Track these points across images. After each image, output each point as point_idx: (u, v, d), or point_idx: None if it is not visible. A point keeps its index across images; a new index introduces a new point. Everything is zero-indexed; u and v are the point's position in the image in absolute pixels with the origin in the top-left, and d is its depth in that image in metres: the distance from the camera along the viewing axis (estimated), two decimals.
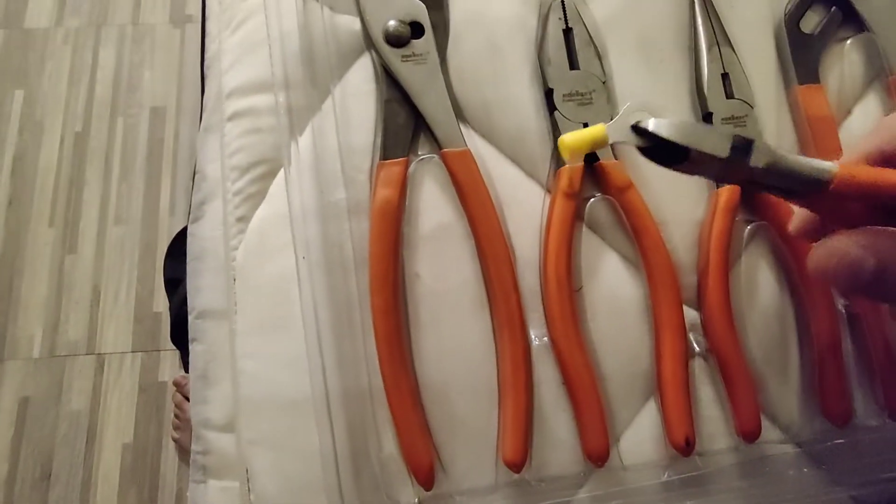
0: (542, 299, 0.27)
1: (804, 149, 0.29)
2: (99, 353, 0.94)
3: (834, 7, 0.30)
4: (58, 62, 1.07)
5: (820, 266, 0.18)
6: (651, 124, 0.18)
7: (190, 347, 0.37)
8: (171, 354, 0.95)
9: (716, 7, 0.29)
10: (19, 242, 0.98)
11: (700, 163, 0.18)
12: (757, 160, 0.18)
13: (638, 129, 0.19)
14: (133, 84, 1.06)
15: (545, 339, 0.26)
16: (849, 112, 0.30)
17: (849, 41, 0.30)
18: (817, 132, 0.28)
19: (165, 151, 1.03)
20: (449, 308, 0.27)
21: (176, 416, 0.89)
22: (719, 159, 0.18)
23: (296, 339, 0.27)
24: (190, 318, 0.36)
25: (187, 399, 0.88)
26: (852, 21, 0.30)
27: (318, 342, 0.25)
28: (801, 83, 0.29)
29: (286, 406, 0.27)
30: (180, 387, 0.89)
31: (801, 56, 0.29)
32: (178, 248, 0.95)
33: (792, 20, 0.30)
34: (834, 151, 0.28)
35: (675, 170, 0.19)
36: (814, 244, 0.19)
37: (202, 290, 0.35)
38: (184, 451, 0.89)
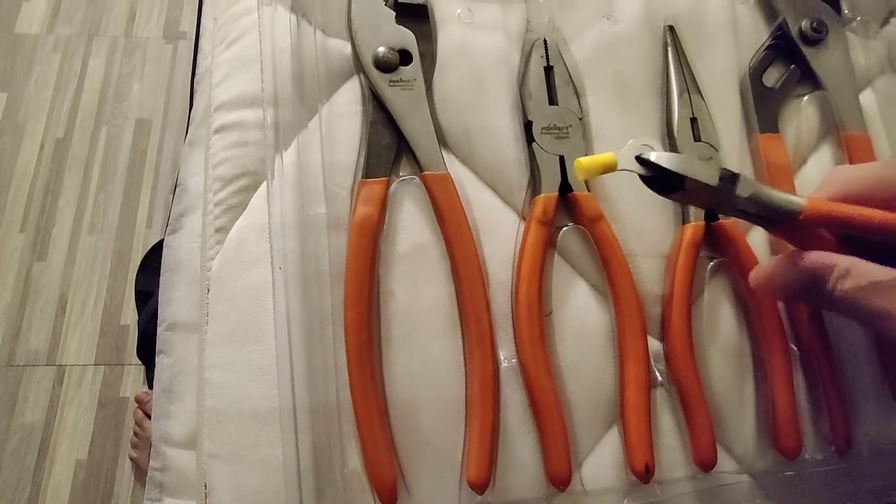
0: (513, 322, 0.27)
1: None
2: (59, 365, 0.91)
3: (793, 65, 0.32)
4: (45, 68, 1.07)
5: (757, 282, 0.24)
6: (653, 156, 0.21)
7: (157, 360, 0.36)
8: (134, 369, 0.93)
9: (687, 57, 0.31)
10: None
11: (693, 191, 0.22)
12: (742, 190, 0.22)
13: (641, 160, 0.22)
14: (121, 95, 1.06)
15: (513, 361, 0.27)
16: (804, 161, 0.32)
17: (806, 97, 0.32)
18: (775, 178, 0.30)
19: (148, 163, 1.03)
20: (421, 327, 0.27)
21: (135, 433, 0.86)
22: (710, 188, 0.21)
23: (265, 351, 0.27)
24: (159, 329, 0.35)
25: (149, 416, 0.86)
26: (809, 79, 0.32)
27: (288, 353, 0.25)
28: (762, 132, 0.31)
29: (251, 418, 0.27)
30: (142, 403, 0.86)
31: (763, 107, 0.31)
32: (151, 261, 0.94)
33: (755, 74, 0.32)
34: None
35: (670, 198, 0.23)
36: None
37: (174, 301, 0.35)
38: (141, 471, 0.85)
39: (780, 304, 0.29)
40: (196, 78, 0.41)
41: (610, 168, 0.22)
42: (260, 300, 0.28)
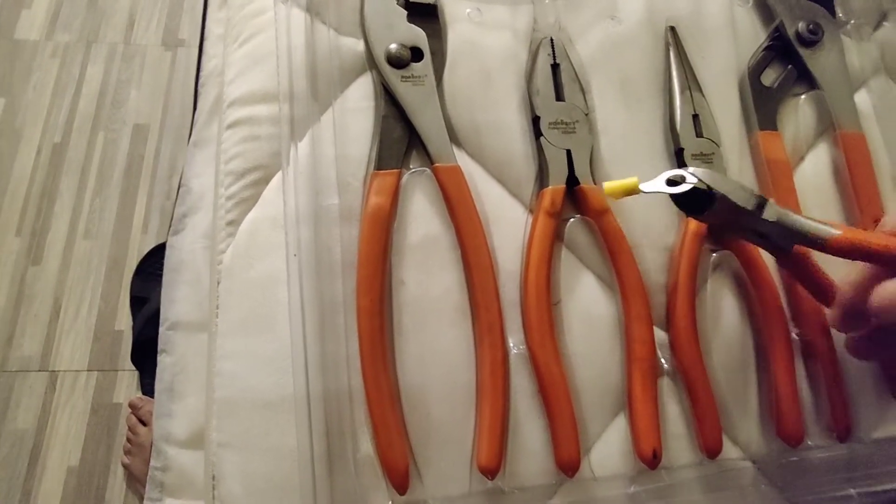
0: (522, 311, 0.28)
1: (763, 187, 0.31)
2: (52, 370, 0.90)
3: (790, 66, 0.33)
4: (44, 74, 1.07)
5: (882, 306, 0.22)
6: (691, 170, 0.22)
7: (158, 359, 0.36)
8: (128, 375, 0.92)
9: (688, 56, 0.32)
10: None
11: (722, 211, 0.22)
12: (769, 215, 0.22)
13: (672, 181, 0.23)
14: (118, 100, 1.07)
15: (522, 348, 0.27)
16: (802, 158, 0.33)
17: (803, 96, 0.34)
18: (774, 173, 0.31)
19: (144, 169, 1.03)
20: (432, 315, 0.28)
21: (129, 440, 0.85)
22: (742, 209, 0.22)
23: (277, 340, 0.27)
24: (161, 328, 0.36)
25: (142, 422, 0.85)
26: (806, 79, 0.33)
27: (303, 341, 0.25)
28: (761, 129, 0.32)
29: (262, 406, 0.27)
30: (136, 409, 0.85)
31: (762, 105, 0.32)
32: (147, 267, 0.94)
33: (754, 73, 0.33)
34: (789, 191, 0.31)
35: (695, 217, 0.23)
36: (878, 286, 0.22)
37: (176, 301, 0.35)
38: (133, 478, 0.84)
39: (782, 295, 0.29)
40: (200, 80, 0.41)
41: (633, 191, 0.23)
42: (272, 290, 0.28)
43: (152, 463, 0.33)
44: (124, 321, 0.93)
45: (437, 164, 0.28)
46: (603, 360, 0.28)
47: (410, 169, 0.29)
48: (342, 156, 0.29)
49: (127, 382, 0.91)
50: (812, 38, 0.32)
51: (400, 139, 0.29)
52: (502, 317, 0.27)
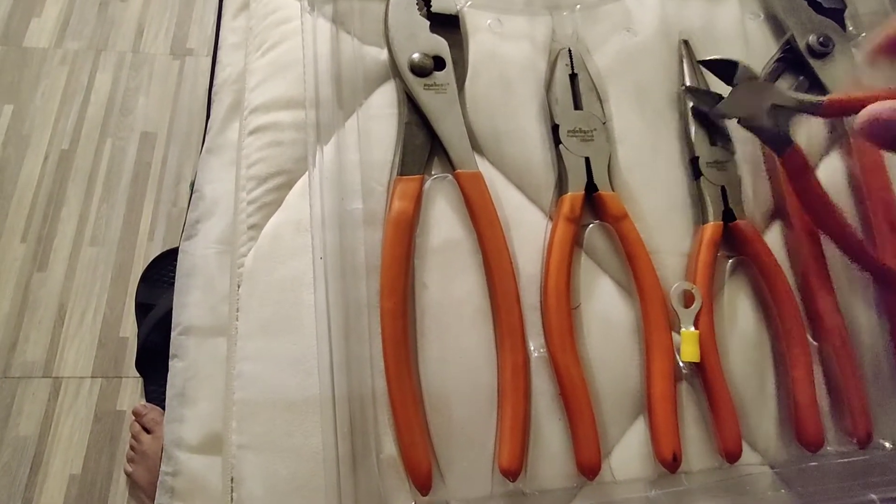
0: (542, 314, 0.28)
1: (778, 200, 0.32)
2: (56, 377, 0.90)
3: (802, 77, 0.34)
4: (52, 81, 1.08)
5: (862, 127, 0.22)
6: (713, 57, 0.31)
7: (170, 363, 0.36)
8: (132, 382, 0.92)
9: (701, 68, 0.33)
10: None
11: (743, 80, 0.30)
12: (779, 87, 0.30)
13: (692, 89, 0.32)
14: (126, 108, 1.07)
15: (543, 351, 0.28)
16: (815, 167, 0.33)
17: None
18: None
19: (151, 176, 1.03)
20: (453, 318, 0.28)
21: (132, 447, 0.85)
22: (757, 78, 0.30)
23: (300, 341, 0.27)
24: (173, 333, 0.36)
25: (146, 430, 0.84)
26: (817, 89, 0.34)
27: (328, 342, 0.26)
28: None
29: (284, 407, 0.27)
30: (140, 417, 0.85)
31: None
32: (152, 274, 0.94)
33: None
34: None
35: (725, 82, 0.30)
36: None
37: (188, 306, 0.36)
38: (136, 487, 0.84)
39: (798, 300, 0.30)
40: (214, 89, 0.42)
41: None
42: (296, 292, 0.28)
43: (163, 468, 0.33)
44: (129, 328, 0.93)
45: (458, 171, 0.29)
46: (622, 364, 0.29)
47: (433, 175, 0.30)
48: (366, 161, 0.29)
49: (131, 390, 0.91)
50: (823, 51, 0.33)
51: (422, 145, 0.30)
52: (523, 320, 0.28)
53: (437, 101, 0.30)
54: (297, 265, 0.29)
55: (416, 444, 0.26)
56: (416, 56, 0.30)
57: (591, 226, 0.30)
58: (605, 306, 0.29)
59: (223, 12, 0.45)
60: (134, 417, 0.86)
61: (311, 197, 0.28)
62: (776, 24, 0.35)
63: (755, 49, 0.34)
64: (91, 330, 0.92)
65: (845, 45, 0.34)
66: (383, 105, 0.31)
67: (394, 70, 0.31)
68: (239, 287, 0.30)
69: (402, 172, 0.29)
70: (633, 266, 0.29)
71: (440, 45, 0.31)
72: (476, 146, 0.31)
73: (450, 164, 0.29)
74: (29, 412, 0.87)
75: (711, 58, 0.31)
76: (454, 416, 0.27)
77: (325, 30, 0.31)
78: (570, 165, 0.30)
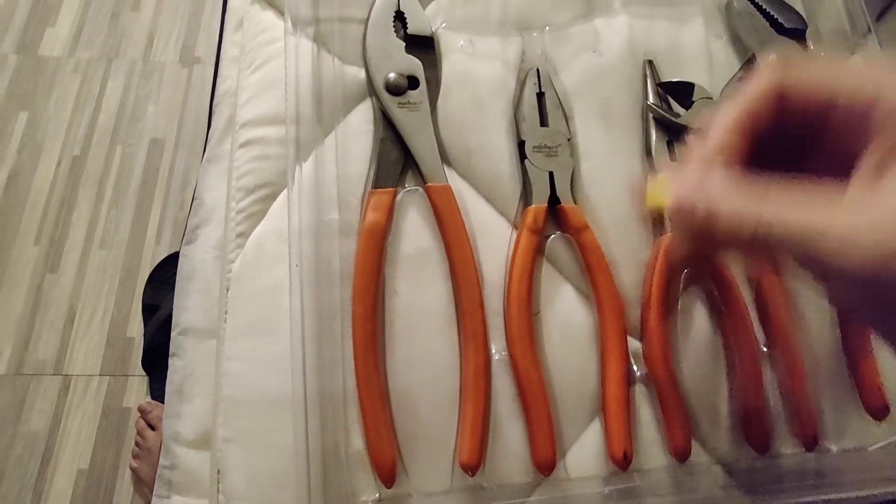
0: (504, 320, 0.30)
1: None
2: (66, 375, 0.93)
3: None
4: (65, 89, 1.11)
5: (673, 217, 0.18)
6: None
7: (169, 362, 0.39)
8: (138, 380, 0.95)
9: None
10: (2, 257, 0.98)
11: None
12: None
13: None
14: (136, 115, 1.11)
15: (504, 353, 0.30)
16: None
17: None
18: None
19: (159, 182, 1.06)
20: (421, 322, 0.30)
21: (137, 443, 0.87)
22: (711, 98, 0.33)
23: (280, 343, 0.29)
24: (173, 333, 0.38)
25: (151, 427, 0.87)
26: None
27: (301, 344, 0.28)
28: None
29: (264, 404, 0.29)
30: (144, 413, 0.88)
31: None
32: (159, 276, 0.97)
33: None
34: None
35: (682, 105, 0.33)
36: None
37: (188, 308, 0.38)
38: (140, 482, 0.86)
39: (751, 309, 0.31)
40: (215, 100, 0.44)
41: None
42: (276, 297, 0.30)
43: (161, 461, 0.35)
44: (136, 328, 0.96)
45: (429, 184, 0.31)
46: (580, 368, 0.30)
47: (405, 188, 0.32)
48: (343, 175, 0.31)
49: (137, 387, 0.94)
50: None
51: (396, 160, 0.32)
52: (486, 325, 0.29)
53: (410, 118, 0.32)
54: (277, 272, 0.31)
55: (382, 440, 0.28)
56: (391, 75, 0.32)
57: (553, 236, 0.32)
58: (566, 312, 0.31)
59: (225, 26, 0.47)
60: (139, 414, 0.89)
61: (289, 209, 0.30)
62: (739, 45, 0.37)
63: (718, 68, 0.36)
64: (100, 330, 0.95)
65: None
66: (361, 122, 0.33)
67: (370, 88, 0.33)
68: (227, 291, 0.32)
69: (376, 185, 0.31)
70: (592, 275, 0.31)
71: (415, 65, 0.33)
72: (447, 161, 0.33)
73: (421, 178, 0.31)
74: (40, 408, 0.90)
75: (669, 80, 0.34)
76: (419, 414, 0.29)
77: (308, 50, 0.33)
78: (534, 179, 0.32)
